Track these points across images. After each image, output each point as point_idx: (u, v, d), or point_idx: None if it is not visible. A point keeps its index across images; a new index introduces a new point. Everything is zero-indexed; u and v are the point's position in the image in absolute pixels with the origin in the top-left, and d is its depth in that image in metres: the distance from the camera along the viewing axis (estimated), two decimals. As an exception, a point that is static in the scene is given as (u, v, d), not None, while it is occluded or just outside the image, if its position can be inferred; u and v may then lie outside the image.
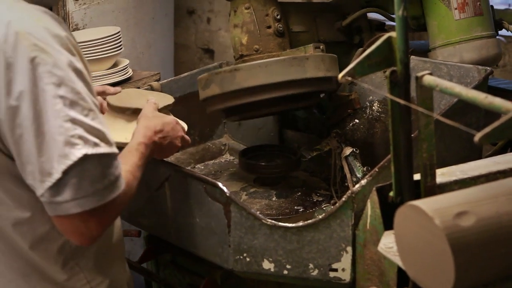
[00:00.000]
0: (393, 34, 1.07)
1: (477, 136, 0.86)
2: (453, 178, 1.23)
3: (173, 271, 1.97)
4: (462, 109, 1.63)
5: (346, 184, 1.85)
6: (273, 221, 1.51)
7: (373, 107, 1.98)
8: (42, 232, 1.29)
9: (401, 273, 1.20)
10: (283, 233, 1.50)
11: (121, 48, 2.29)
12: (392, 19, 2.02)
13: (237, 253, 1.55)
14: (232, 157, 2.26)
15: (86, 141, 1.16)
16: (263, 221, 1.51)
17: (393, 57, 1.08)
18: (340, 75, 1.09)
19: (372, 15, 2.11)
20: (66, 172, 1.15)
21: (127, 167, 1.33)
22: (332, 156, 1.89)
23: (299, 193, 1.89)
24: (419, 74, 1.04)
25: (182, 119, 2.19)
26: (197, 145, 2.27)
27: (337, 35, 2.03)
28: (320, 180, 2.01)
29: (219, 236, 1.58)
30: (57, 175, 1.15)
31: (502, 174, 1.23)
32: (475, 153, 1.72)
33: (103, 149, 1.18)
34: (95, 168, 1.18)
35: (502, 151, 1.80)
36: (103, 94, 1.71)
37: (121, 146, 1.38)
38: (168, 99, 1.80)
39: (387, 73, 1.08)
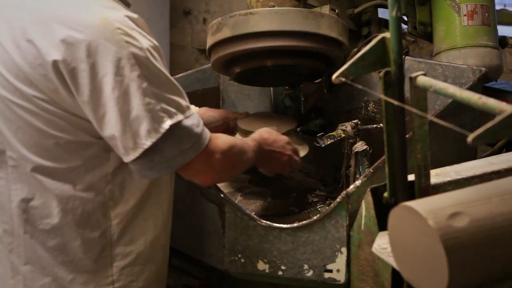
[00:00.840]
0: (387, 34, 1.07)
1: (470, 137, 0.86)
2: (447, 178, 1.23)
3: (168, 273, 1.96)
4: (457, 109, 1.63)
5: (347, 173, 1.84)
6: (267, 222, 1.51)
7: (368, 108, 1.98)
8: (89, 211, 1.35)
9: (395, 274, 1.20)
10: (278, 234, 1.50)
11: (116, 49, 2.29)
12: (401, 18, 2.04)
13: (232, 254, 1.55)
14: (227, 158, 2.25)
15: (169, 113, 1.26)
16: (258, 221, 1.51)
17: (387, 58, 1.08)
18: (334, 76, 1.09)
19: (383, 14, 2.12)
20: (154, 145, 1.25)
21: (238, 140, 1.49)
22: (346, 146, 1.87)
23: (295, 194, 1.89)
24: (413, 74, 1.04)
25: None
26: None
27: (348, 21, 2.03)
28: (315, 181, 2.00)
29: (213, 237, 1.58)
30: (143, 148, 1.24)
31: (496, 175, 1.23)
32: (470, 154, 1.72)
33: (182, 116, 1.28)
34: (178, 136, 1.28)
35: (498, 152, 1.80)
36: (229, 119, 1.91)
37: None
38: (291, 124, 1.90)
39: (381, 74, 1.08)
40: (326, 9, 1.83)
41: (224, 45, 1.75)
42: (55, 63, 1.22)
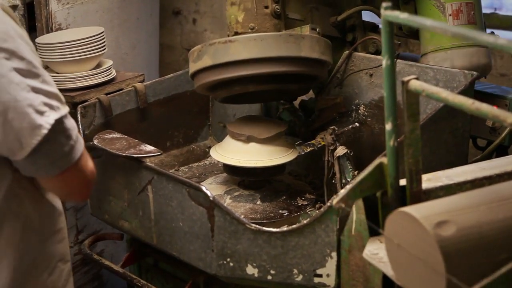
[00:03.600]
0: (384, 160, 1.09)
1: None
2: (439, 183, 1.21)
3: (156, 275, 1.94)
4: (448, 113, 1.62)
5: (334, 181, 1.83)
6: (257, 226, 1.49)
7: (359, 111, 1.97)
8: None
9: (386, 279, 1.19)
10: (267, 238, 1.48)
11: (104, 49, 2.26)
12: None
13: (220, 258, 1.53)
14: (217, 160, 2.24)
15: (50, 106, 1.17)
16: (247, 225, 1.49)
17: (384, 181, 1.11)
18: (334, 201, 1.14)
19: (366, 17, 2.11)
20: (41, 142, 1.15)
21: None
22: (326, 153, 1.86)
23: (284, 197, 1.87)
24: (405, 78, 1.02)
25: (166, 121, 2.18)
26: (181, 148, 2.24)
27: (331, 29, 2.02)
28: (305, 184, 1.99)
29: (202, 240, 1.56)
30: (30, 148, 1.15)
31: (487, 180, 1.22)
32: (461, 158, 1.71)
33: (64, 110, 1.20)
34: (62, 131, 1.19)
35: (489, 156, 1.79)
36: None
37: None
38: (280, 126, 1.89)
39: (378, 194, 1.13)
40: (306, 30, 1.83)
41: (205, 73, 1.75)
42: None
